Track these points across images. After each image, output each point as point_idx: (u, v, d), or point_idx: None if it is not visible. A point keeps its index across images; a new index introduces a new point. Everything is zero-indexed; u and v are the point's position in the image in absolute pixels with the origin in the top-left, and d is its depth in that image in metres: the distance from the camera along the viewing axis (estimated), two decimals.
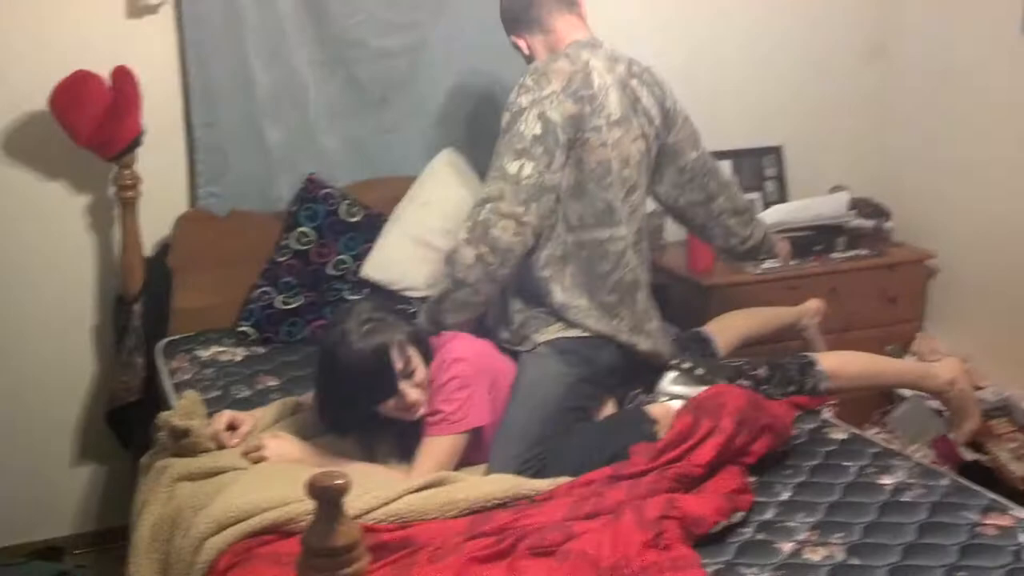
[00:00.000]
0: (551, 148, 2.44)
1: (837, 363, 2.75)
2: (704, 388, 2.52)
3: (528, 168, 2.42)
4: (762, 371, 2.68)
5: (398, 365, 2.28)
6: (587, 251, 2.55)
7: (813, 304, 3.24)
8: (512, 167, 2.42)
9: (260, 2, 3.09)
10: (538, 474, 2.31)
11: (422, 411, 2.35)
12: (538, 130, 2.43)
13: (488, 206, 2.42)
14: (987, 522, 2.15)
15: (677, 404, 2.53)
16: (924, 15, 3.79)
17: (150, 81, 2.98)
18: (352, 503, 2.00)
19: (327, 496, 1.19)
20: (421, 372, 2.34)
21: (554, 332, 2.55)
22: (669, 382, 2.66)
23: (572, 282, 2.55)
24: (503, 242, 2.42)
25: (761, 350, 3.07)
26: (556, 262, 2.54)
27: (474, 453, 2.40)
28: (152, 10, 3.03)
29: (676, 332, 2.96)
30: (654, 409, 2.56)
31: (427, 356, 2.39)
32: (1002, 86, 3.51)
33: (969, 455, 3.41)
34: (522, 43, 2.70)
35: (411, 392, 2.32)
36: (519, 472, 2.31)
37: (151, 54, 3.05)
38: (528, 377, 2.51)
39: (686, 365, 2.67)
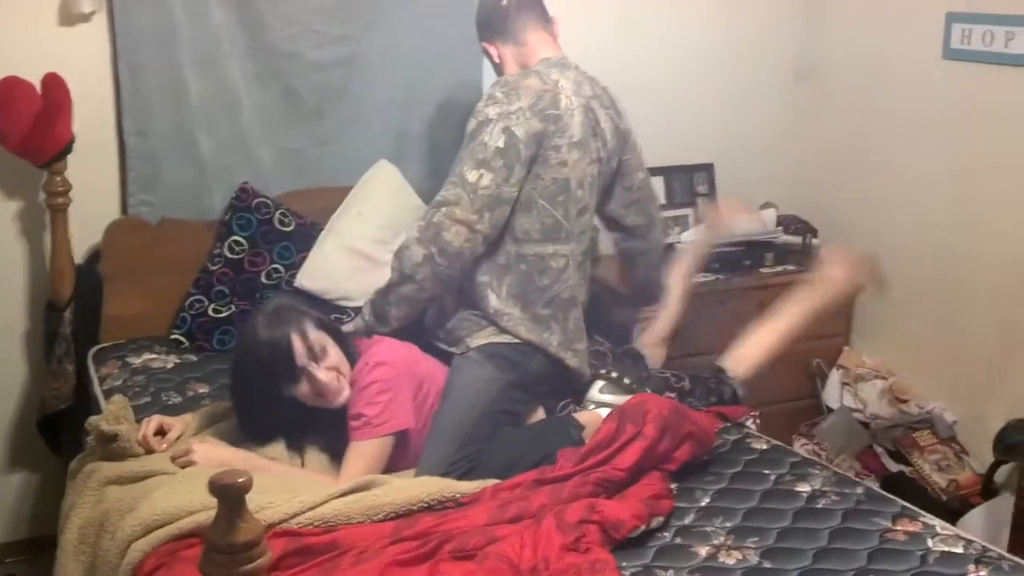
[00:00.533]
0: (511, 162, 2.48)
1: (740, 356, 2.84)
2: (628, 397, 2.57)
3: (487, 179, 2.46)
4: (686, 383, 2.76)
5: (299, 348, 2.32)
6: (527, 264, 2.59)
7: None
8: (471, 175, 2.46)
9: (194, 13, 3.11)
10: (466, 475, 2.35)
11: (343, 398, 2.38)
12: (501, 143, 2.47)
13: (443, 209, 2.46)
14: (897, 528, 2.21)
15: (604, 412, 2.57)
16: (850, 39, 3.89)
17: (82, 88, 2.98)
18: (278, 507, 2.03)
19: (228, 494, 1.21)
20: (334, 356, 2.38)
21: (486, 337, 2.58)
22: (597, 391, 2.72)
23: (508, 292, 2.58)
24: (453, 246, 2.46)
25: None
26: (496, 270, 2.58)
27: (400, 458, 2.42)
28: (85, 18, 3.03)
29: (610, 347, 2.98)
30: (582, 416, 2.60)
31: (349, 354, 2.43)
32: (924, 107, 3.61)
33: (893, 466, 3.50)
34: (493, 51, 2.75)
35: (321, 374, 2.35)
36: (447, 473, 2.34)
37: (83, 62, 3.04)
38: (459, 380, 2.55)
39: (614, 374, 2.73)
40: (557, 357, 2.63)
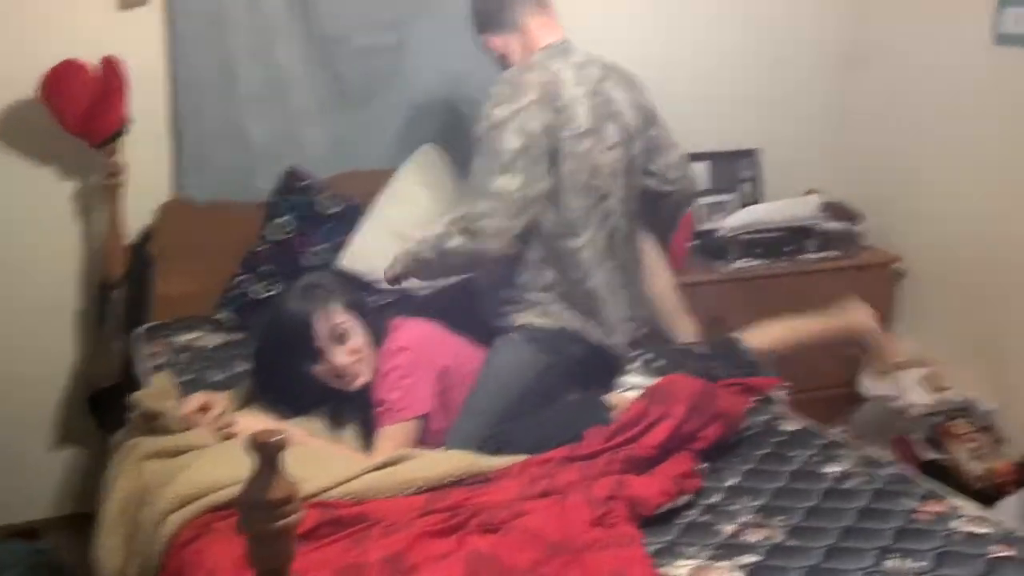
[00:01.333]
0: (535, 159, 2.47)
1: (764, 339, 2.89)
2: None
3: (515, 182, 2.45)
4: (705, 348, 2.83)
5: (322, 328, 2.37)
6: (559, 260, 2.61)
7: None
8: (498, 183, 2.44)
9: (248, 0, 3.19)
10: (497, 452, 2.39)
11: (360, 382, 2.43)
12: (518, 144, 2.45)
13: (481, 223, 2.45)
14: (924, 508, 2.23)
15: (635, 395, 2.60)
16: (898, 24, 3.87)
17: (137, 72, 3.07)
18: (312, 482, 2.09)
19: (266, 451, 1.27)
20: (358, 339, 2.42)
21: (528, 318, 2.61)
22: (631, 373, 2.75)
23: (545, 286, 2.61)
24: (493, 252, 2.48)
25: None
26: (533, 266, 2.60)
27: (423, 440, 2.46)
28: (142, 3, 3.13)
29: (640, 322, 2.96)
30: (612, 397, 2.64)
31: (378, 336, 2.47)
32: (973, 94, 3.59)
33: (928, 454, 3.50)
34: (498, 42, 2.72)
35: (339, 357, 2.39)
36: (478, 449, 2.38)
37: (139, 46, 3.13)
38: (497, 360, 2.58)
39: (648, 356, 2.76)
40: (599, 345, 2.66)
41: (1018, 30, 3.40)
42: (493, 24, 2.73)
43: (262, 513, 1.28)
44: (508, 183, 2.45)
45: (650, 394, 2.46)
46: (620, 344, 2.74)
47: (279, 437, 1.29)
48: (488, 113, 2.50)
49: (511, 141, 2.45)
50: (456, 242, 2.49)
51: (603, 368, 2.73)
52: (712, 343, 2.85)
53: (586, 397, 2.67)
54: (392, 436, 2.40)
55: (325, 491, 2.13)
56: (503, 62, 2.72)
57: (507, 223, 2.45)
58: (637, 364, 2.76)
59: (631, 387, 2.69)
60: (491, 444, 2.41)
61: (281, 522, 1.28)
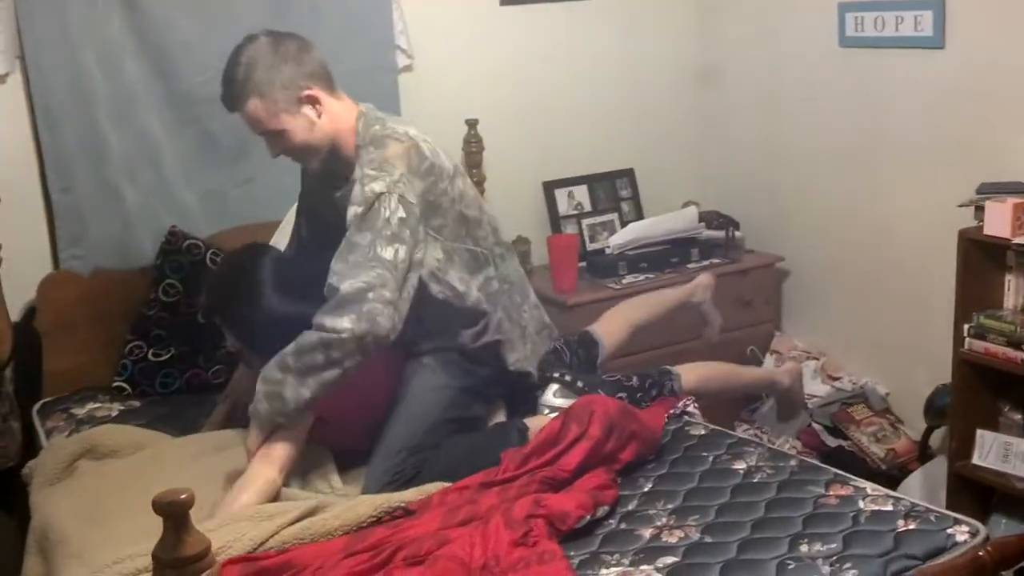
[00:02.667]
0: (415, 229, 2.46)
1: (695, 376, 2.95)
2: None
3: (402, 252, 2.42)
4: (635, 381, 2.84)
5: None
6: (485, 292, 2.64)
7: (703, 280, 3.39)
8: (388, 253, 2.40)
9: (107, 67, 3.16)
10: (410, 481, 2.40)
11: None
12: (402, 213, 2.42)
13: (370, 295, 2.36)
14: (830, 493, 2.31)
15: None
16: (748, 37, 4.03)
17: (4, 148, 3.03)
18: (231, 545, 2.07)
19: (172, 511, 1.27)
20: None
21: (439, 341, 2.61)
22: (551, 394, 2.78)
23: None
24: (384, 328, 2.38)
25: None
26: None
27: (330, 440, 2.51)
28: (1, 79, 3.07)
29: (561, 335, 3.04)
30: (534, 421, 2.66)
31: None
32: (827, 96, 3.74)
33: (832, 442, 3.61)
34: (320, 97, 2.51)
35: None
36: (391, 482, 2.40)
37: (2, 123, 3.09)
38: (411, 389, 2.58)
39: (568, 378, 2.80)
40: (513, 370, 2.69)
41: (858, 32, 3.58)
42: (322, 80, 2.54)
43: (174, 572, 1.26)
44: (396, 252, 2.41)
45: (566, 414, 2.49)
46: (531, 360, 2.77)
47: (184, 495, 1.28)
48: (362, 191, 2.43)
49: (395, 212, 2.42)
50: (348, 343, 2.35)
51: (518, 386, 2.76)
52: (640, 374, 2.89)
53: (502, 423, 2.69)
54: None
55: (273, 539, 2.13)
56: (315, 118, 2.53)
57: (395, 294, 2.40)
58: (557, 386, 2.79)
59: (554, 408, 2.72)
60: (403, 476, 2.42)
61: None
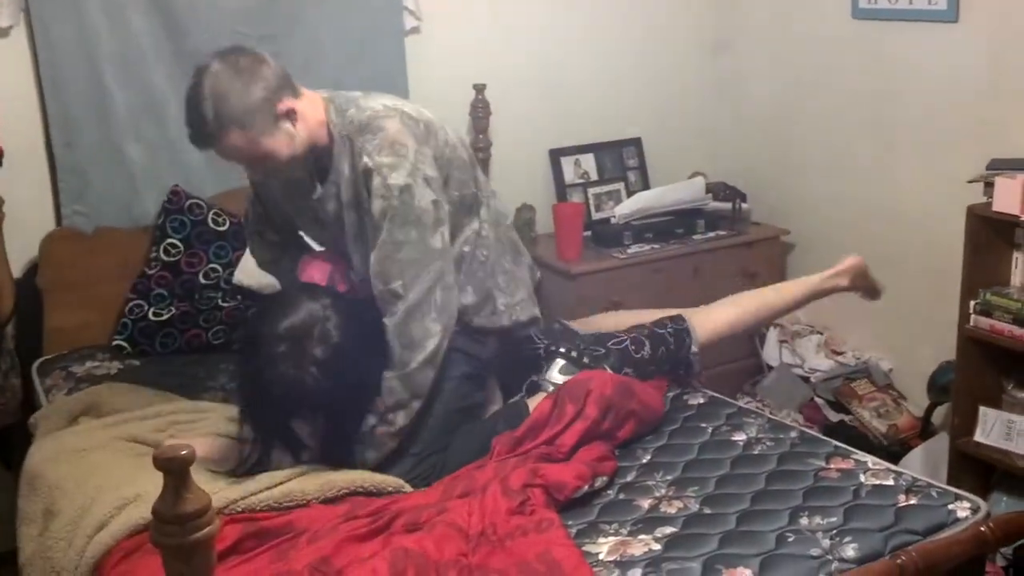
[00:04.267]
0: (443, 200, 2.40)
1: (713, 326, 2.84)
2: None
3: (447, 233, 2.39)
4: (646, 351, 2.72)
5: None
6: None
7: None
8: (437, 241, 2.36)
9: (114, 21, 3.13)
10: (428, 480, 2.34)
11: None
12: (433, 195, 2.36)
13: (439, 289, 2.34)
14: (831, 466, 2.31)
15: None
16: (762, 7, 3.99)
17: (7, 103, 3.00)
18: (228, 490, 2.07)
19: (173, 467, 1.26)
20: None
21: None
22: (557, 371, 2.67)
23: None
24: (454, 308, 2.40)
25: None
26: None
27: None
28: (3, 33, 3.04)
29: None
30: (534, 401, 2.58)
31: None
32: (838, 68, 3.72)
33: (834, 416, 3.61)
34: (295, 106, 2.35)
35: None
36: (412, 480, 2.33)
37: (6, 77, 3.06)
38: None
39: (573, 353, 2.70)
40: (506, 327, 2.61)
41: (871, 4, 3.54)
42: (290, 90, 2.39)
43: (176, 528, 1.26)
44: (442, 237, 2.37)
45: (561, 391, 2.45)
46: (527, 306, 2.69)
47: (185, 451, 1.27)
48: (386, 183, 2.32)
49: (425, 197, 2.34)
50: (439, 344, 2.34)
51: (519, 352, 2.69)
52: (653, 337, 2.77)
53: (508, 406, 2.61)
54: None
55: (244, 498, 2.12)
56: (292, 125, 2.36)
57: (453, 276, 2.40)
58: (563, 362, 2.69)
59: (556, 387, 2.61)
60: (421, 479, 2.35)
61: (196, 535, 1.26)
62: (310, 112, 2.38)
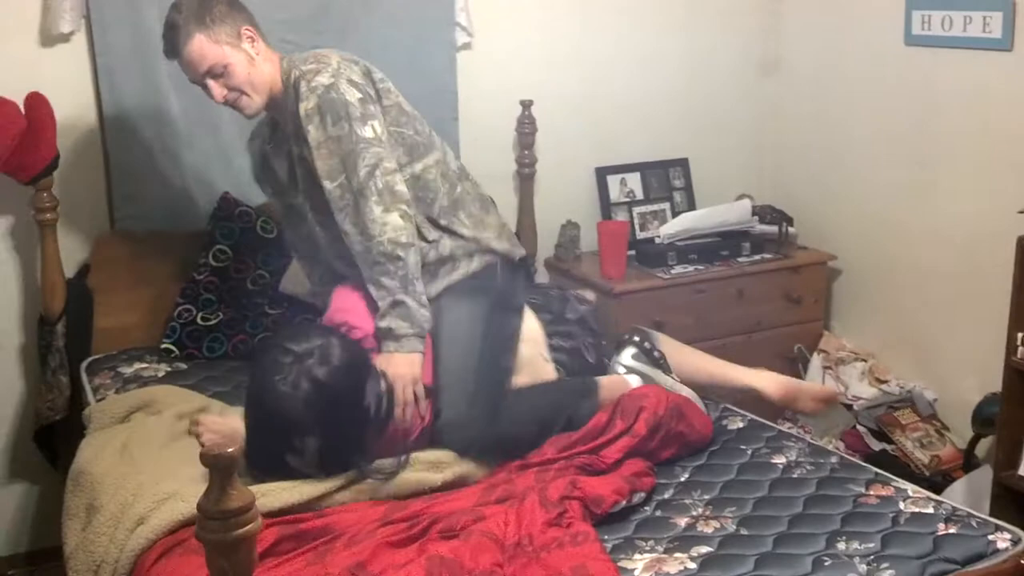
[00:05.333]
0: (373, 102, 2.55)
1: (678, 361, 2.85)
2: (660, 373, 2.70)
3: (377, 126, 2.52)
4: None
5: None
6: (419, 188, 2.64)
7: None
8: (367, 131, 2.49)
9: None
10: (495, 455, 2.40)
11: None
12: (357, 93, 2.51)
13: (377, 173, 2.47)
14: (870, 493, 2.30)
15: (632, 379, 2.68)
16: (813, 30, 3.98)
17: (65, 106, 3.05)
18: (276, 495, 2.10)
19: (219, 464, 1.29)
20: None
21: (442, 284, 2.63)
22: (630, 356, 2.76)
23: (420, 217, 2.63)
24: (405, 193, 2.52)
25: None
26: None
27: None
28: (64, 38, 3.10)
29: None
30: (605, 379, 2.66)
31: None
32: (888, 94, 3.70)
33: (876, 445, 3.57)
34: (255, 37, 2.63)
35: None
36: (481, 450, 2.38)
37: (65, 80, 3.11)
38: (444, 329, 2.57)
39: (647, 344, 2.78)
40: (505, 253, 2.73)
41: (924, 31, 3.52)
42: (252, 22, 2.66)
43: (219, 523, 1.28)
44: (374, 128, 2.51)
45: (615, 405, 2.49)
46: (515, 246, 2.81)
47: (231, 450, 1.29)
48: (313, 87, 2.50)
49: (351, 94, 2.50)
50: (394, 220, 2.47)
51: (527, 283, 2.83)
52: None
53: (576, 382, 2.66)
54: None
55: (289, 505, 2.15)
56: (248, 56, 2.60)
57: (394, 162, 2.52)
58: (636, 350, 2.77)
59: (629, 369, 2.73)
60: (489, 451, 2.39)
61: (239, 531, 1.28)
62: (272, 61, 2.62)
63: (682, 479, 2.42)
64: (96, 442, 2.51)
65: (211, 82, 2.59)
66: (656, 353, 2.75)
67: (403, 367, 2.43)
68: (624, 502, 2.23)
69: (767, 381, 2.82)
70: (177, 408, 2.58)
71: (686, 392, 2.68)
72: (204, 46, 2.54)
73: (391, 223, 2.46)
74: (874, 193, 3.81)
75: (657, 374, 2.73)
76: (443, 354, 2.52)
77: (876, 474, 2.40)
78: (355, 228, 2.50)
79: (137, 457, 2.33)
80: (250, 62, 2.58)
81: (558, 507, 2.13)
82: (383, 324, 2.46)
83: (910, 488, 2.32)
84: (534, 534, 2.04)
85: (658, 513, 2.25)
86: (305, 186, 2.64)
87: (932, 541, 2.08)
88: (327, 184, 2.51)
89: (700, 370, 2.86)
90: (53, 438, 3.12)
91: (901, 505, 2.23)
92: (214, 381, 2.97)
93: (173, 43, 2.57)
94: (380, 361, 2.42)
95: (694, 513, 2.24)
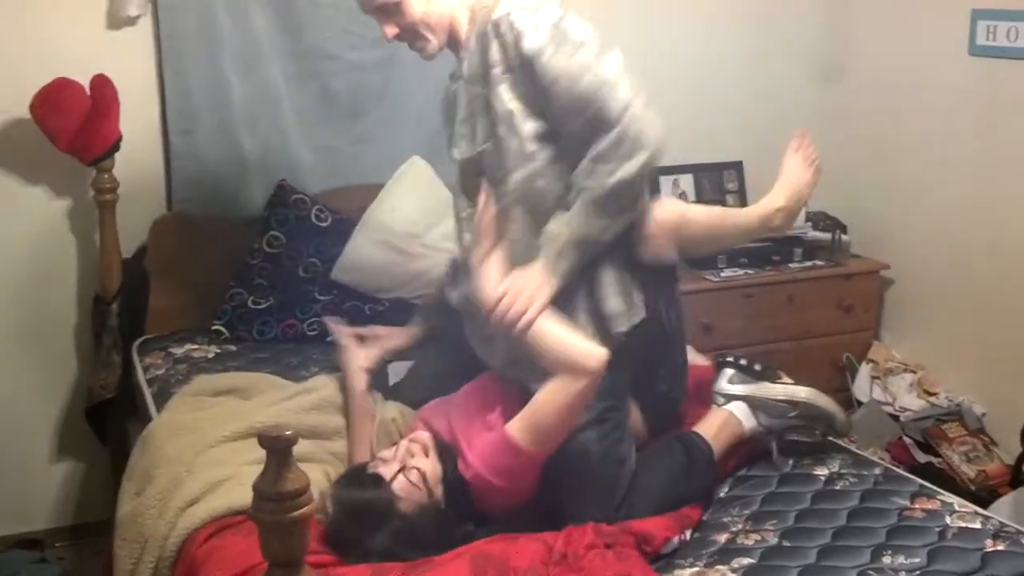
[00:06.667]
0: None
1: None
2: (766, 384, 2.46)
3: (619, 60, 2.19)
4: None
5: None
6: None
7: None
8: (612, 66, 2.17)
9: (235, 16, 3.22)
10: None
11: None
12: (589, 27, 2.20)
13: (633, 107, 2.14)
14: (916, 506, 2.26)
15: (736, 408, 2.44)
16: (877, 37, 3.94)
17: (129, 89, 3.09)
18: None
19: (276, 446, 1.30)
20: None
21: None
22: (726, 382, 2.49)
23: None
24: (662, 132, 2.20)
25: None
26: None
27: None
28: (131, 21, 3.15)
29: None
30: (709, 420, 2.42)
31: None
32: (951, 105, 3.65)
33: (922, 457, 3.54)
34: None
35: None
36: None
37: (130, 63, 3.16)
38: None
39: (743, 361, 2.53)
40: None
41: (989, 42, 3.48)
42: None
43: (274, 504, 1.30)
44: (617, 61, 2.18)
45: None
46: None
47: (289, 434, 1.31)
48: (533, 25, 2.14)
49: (583, 29, 2.19)
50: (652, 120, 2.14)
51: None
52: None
53: (681, 438, 2.37)
54: None
55: None
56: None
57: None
58: (731, 371, 2.50)
59: (730, 396, 2.47)
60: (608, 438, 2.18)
61: (293, 513, 1.30)
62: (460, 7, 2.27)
63: (720, 495, 2.37)
64: (174, 409, 2.52)
65: (380, 17, 2.28)
66: (756, 366, 2.50)
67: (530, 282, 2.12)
68: (676, 540, 2.13)
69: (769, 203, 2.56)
70: (267, 396, 2.53)
71: (804, 394, 2.46)
72: None
73: (649, 121, 2.15)
74: (932, 203, 3.76)
75: (763, 387, 2.46)
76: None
77: (921, 486, 2.36)
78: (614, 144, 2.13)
79: (205, 435, 2.33)
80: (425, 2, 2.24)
81: (610, 539, 2.03)
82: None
83: (956, 501, 2.29)
84: (580, 551, 1.97)
85: (696, 535, 2.20)
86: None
87: (980, 557, 2.04)
88: (576, 121, 2.14)
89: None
90: (104, 416, 3.17)
91: (948, 519, 2.20)
92: (262, 363, 2.99)
93: None
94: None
95: (733, 529, 2.22)
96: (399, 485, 2.06)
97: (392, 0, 2.23)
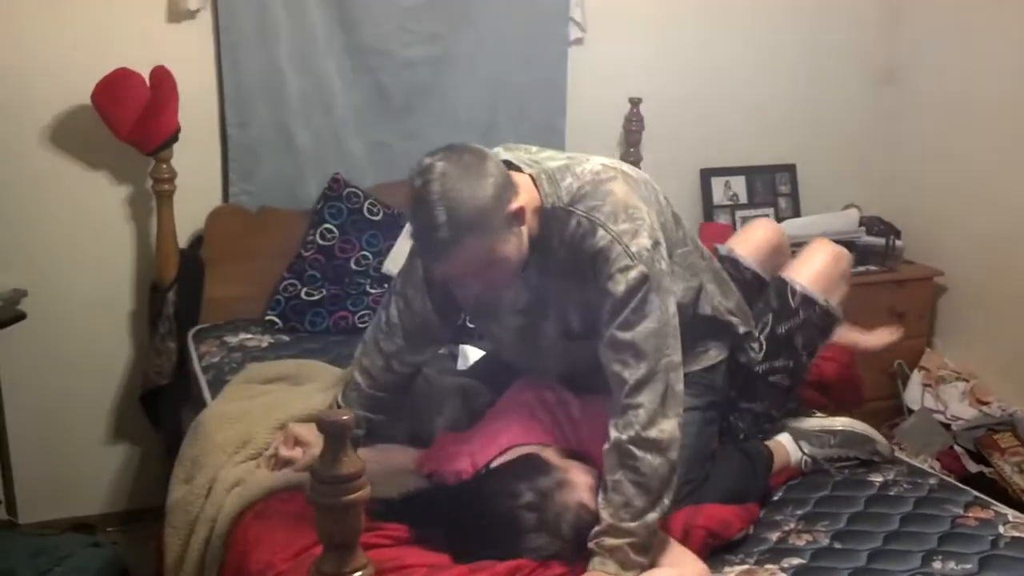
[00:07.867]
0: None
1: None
2: (801, 418, 2.54)
3: (672, 303, 2.03)
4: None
5: None
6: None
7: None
8: (671, 307, 2.01)
9: (292, 11, 3.26)
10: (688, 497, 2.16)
11: None
12: (666, 260, 2.05)
13: (672, 372, 1.97)
14: (969, 515, 2.25)
15: (784, 439, 2.47)
16: (934, 43, 3.90)
17: (188, 81, 3.13)
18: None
19: (334, 430, 1.32)
20: None
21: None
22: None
23: None
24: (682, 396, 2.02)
25: None
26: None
27: None
28: (191, 15, 3.19)
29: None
30: (774, 444, 2.47)
31: None
32: (1011, 111, 3.61)
33: (973, 467, 3.50)
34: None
35: None
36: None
37: (189, 56, 3.20)
38: None
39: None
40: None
41: None
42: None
43: (330, 487, 1.32)
44: (670, 306, 2.01)
45: None
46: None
47: (347, 417, 1.33)
48: (633, 253, 1.97)
49: (665, 260, 2.04)
50: (674, 429, 1.95)
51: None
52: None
53: (747, 446, 2.43)
54: None
55: None
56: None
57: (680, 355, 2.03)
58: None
59: (801, 434, 2.50)
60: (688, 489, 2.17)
61: (349, 496, 1.32)
62: (527, 200, 1.99)
63: (775, 497, 2.37)
64: (226, 397, 2.55)
65: (468, 284, 2.10)
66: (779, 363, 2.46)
67: None
68: (750, 528, 2.14)
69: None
70: (319, 383, 2.54)
71: (840, 424, 2.52)
72: (476, 250, 1.93)
73: (672, 438, 1.94)
74: (989, 211, 3.72)
75: (800, 421, 2.53)
76: None
77: (976, 497, 2.35)
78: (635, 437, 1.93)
79: (253, 420, 2.36)
80: (519, 246, 1.99)
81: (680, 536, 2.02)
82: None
83: (1010, 513, 2.27)
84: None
85: (748, 530, 2.18)
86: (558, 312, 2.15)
87: None
88: (612, 365, 1.98)
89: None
90: (158, 402, 3.21)
91: (1001, 529, 2.18)
92: (314, 354, 3.00)
93: (433, 245, 1.93)
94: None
95: (786, 528, 2.21)
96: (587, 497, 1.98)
97: (493, 261, 1.97)
